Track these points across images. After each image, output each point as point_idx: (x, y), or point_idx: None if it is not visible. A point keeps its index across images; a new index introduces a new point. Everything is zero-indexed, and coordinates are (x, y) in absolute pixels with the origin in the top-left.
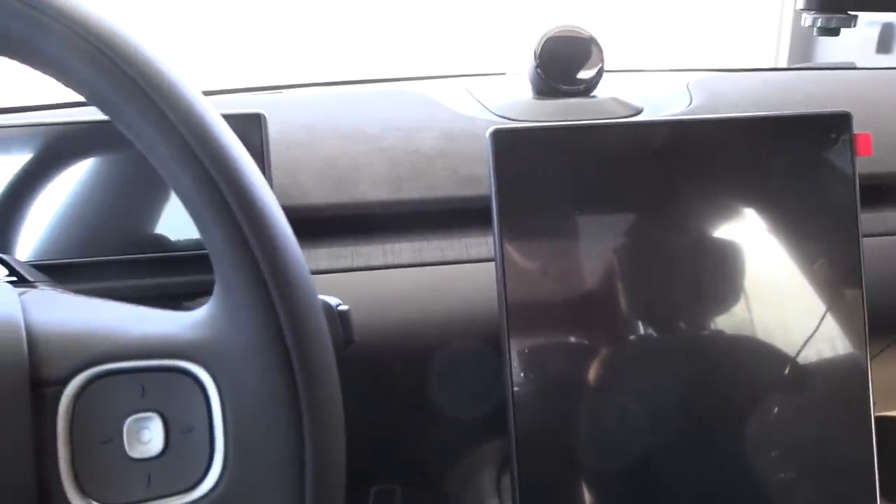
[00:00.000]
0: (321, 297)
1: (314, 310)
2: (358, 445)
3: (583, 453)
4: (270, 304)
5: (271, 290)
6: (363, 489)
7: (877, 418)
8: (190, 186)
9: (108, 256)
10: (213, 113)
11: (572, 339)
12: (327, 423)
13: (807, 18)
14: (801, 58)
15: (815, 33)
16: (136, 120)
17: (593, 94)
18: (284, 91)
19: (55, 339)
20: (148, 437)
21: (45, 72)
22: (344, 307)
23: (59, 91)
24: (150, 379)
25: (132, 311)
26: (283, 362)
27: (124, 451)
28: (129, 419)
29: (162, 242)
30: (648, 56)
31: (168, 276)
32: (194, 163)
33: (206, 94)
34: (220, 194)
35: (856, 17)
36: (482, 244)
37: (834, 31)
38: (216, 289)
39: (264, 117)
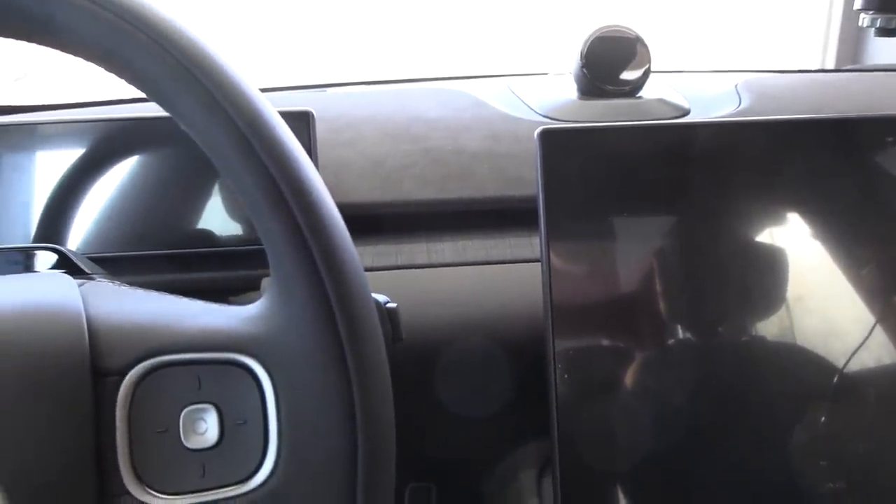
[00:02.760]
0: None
1: (369, 308)
2: (398, 443)
3: (624, 456)
4: (327, 301)
5: (328, 287)
6: (399, 486)
7: None
8: (250, 183)
9: (155, 251)
10: (271, 110)
11: (616, 342)
12: (379, 421)
13: (865, 19)
14: (850, 59)
15: (874, 34)
16: (198, 116)
17: (639, 94)
18: (330, 89)
19: (115, 330)
20: (203, 428)
21: (109, 69)
22: (392, 305)
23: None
24: (207, 371)
25: (189, 304)
26: (338, 359)
27: (180, 441)
28: (186, 410)
29: (209, 238)
30: (695, 57)
31: (214, 271)
32: (254, 159)
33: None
34: (279, 190)
35: None
36: (526, 245)
37: (893, 32)
38: (272, 284)
39: (312, 115)
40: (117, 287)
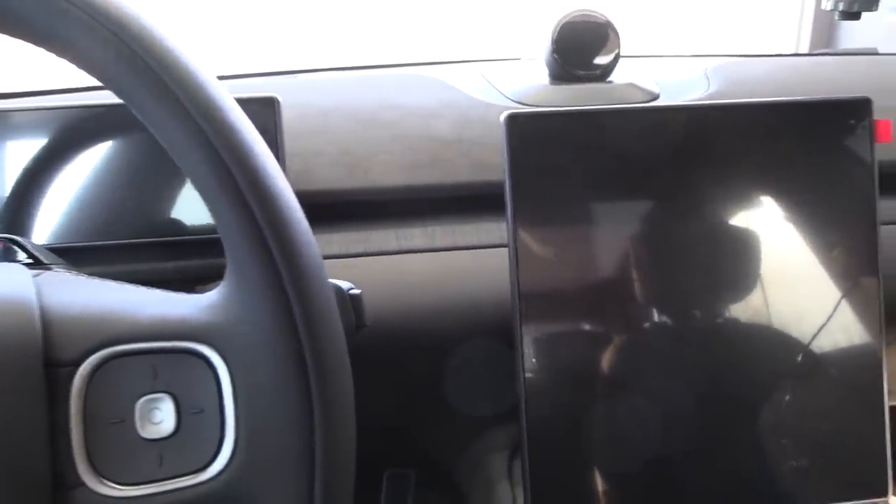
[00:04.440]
0: (333, 281)
1: (326, 294)
2: (371, 430)
3: (594, 440)
4: (282, 287)
5: (283, 273)
6: (377, 473)
7: (893, 407)
8: (202, 171)
9: (123, 240)
10: (226, 97)
11: (585, 327)
12: (337, 408)
13: (828, 2)
14: (823, 44)
15: (836, 17)
16: (150, 104)
17: (609, 79)
18: (299, 75)
19: (68, 321)
20: (159, 417)
21: (62, 55)
22: (356, 291)
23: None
24: (162, 360)
25: (145, 293)
26: (294, 346)
27: (136, 431)
28: (141, 400)
29: (177, 226)
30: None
31: (182, 260)
32: (207, 147)
33: (221, 78)
34: (232, 178)
35: (877, 0)
36: (496, 230)
37: (855, 15)
38: (228, 272)
39: (278, 101)
40: (74, 277)
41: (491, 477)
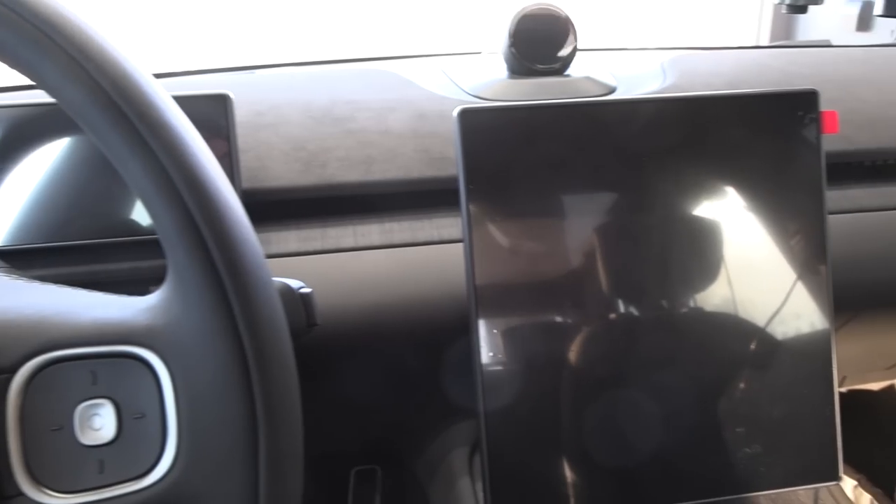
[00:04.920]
0: (282, 279)
1: (268, 294)
2: (337, 428)
3: (552, 430)
4: (222, 289)
5: (223, 274)
6: (344, 470)
7: (847, 391)
8: (137, 170)
9: (73, 241)
10: (161, 93)
11: (542, 320)
12: (282, 409)
13: None
14: (783, 36)
15: (783, 10)
16: (79, 99)
17: (567, 72)
18: (256, 72)
19: (4, 326)
20: (100, 423)
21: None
22: (306, 290)
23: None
24: (102, 365)
25: (84, 296)
26: (236, 348)
27: (76, 438)
28: (81, 406)
29: (129, 226)
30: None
31: (136, 261)
32: (141, 145)
33: (175, 74)
34: (168, 177)
35: None
36: (453, 225)
37: (802, 9)
38: (168, 274)
39: (230, 98)
40: (10, 281)
41: (452, 472)
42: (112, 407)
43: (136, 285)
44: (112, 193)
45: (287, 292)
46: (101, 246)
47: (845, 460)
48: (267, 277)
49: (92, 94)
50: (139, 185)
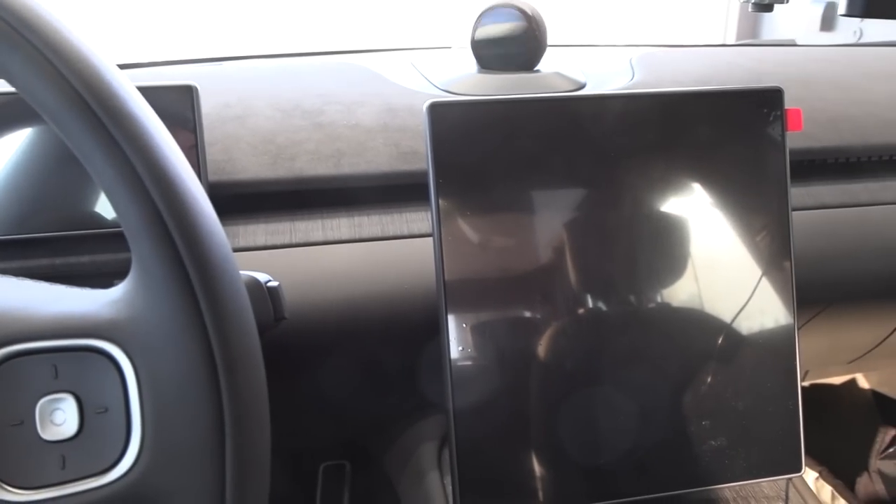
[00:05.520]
0: (250, 273)
1: (235, 288)
2: (305, 424)
3: (520, 425)
4: (188, 282)
5: (189, 268)
6: (313, 466)
7: (809, 385)
8: (102, 163)
9: (35, 234)
10: (125, 83)
11: (511, 314)
12: (249, 405)
13: None
14: (749, 35)
15: (749, 9)
16: (40, 88)
17: (537, 68)
18: (223, 63)
19: None
20: (62, 418)
21: None
22: (273, 283)
23: None
24: (64, 359)
25: (46, 289)
26: (202, 342)
27: (37, 433)
28: (42, 400)
29: (94, 219)
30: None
31: (99, 254)
32: (104, 136)
33: (141, 65)
34: (132, 168)
35: None
36: (423, 219)
37: (768, 7)
38: (133, 266)
39: (196, 89)
40: None
41: (421, 467)
42: (74, 401)
43: (100, 279)
44: (74, 186)
45: (254, 286)
46: (64, 239)
47: (807, 452)
48: (234, 271)
49: (56, 86)
50: (103, 178)
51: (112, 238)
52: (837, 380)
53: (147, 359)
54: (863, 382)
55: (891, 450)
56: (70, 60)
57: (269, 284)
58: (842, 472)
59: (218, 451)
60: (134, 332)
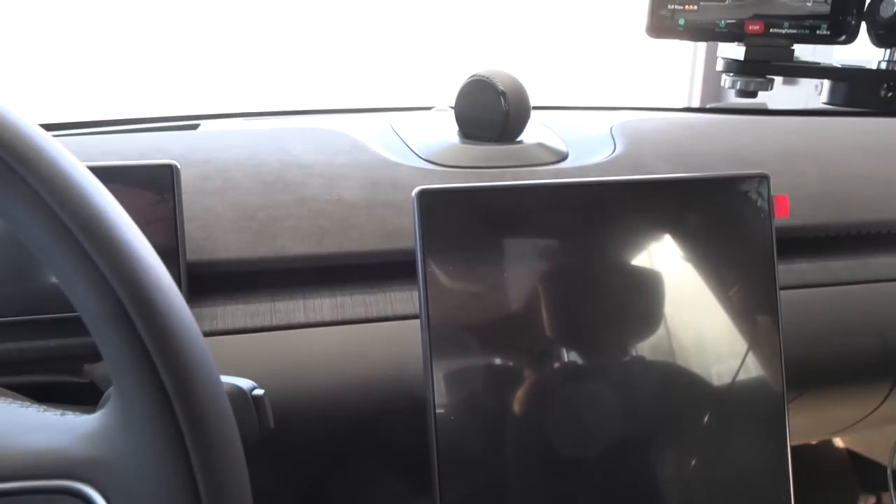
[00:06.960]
0: (234, 380)
1: (224, 424)
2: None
3: (505, 477)
4: (174, 419)
5: (176, 405)
6: None
7: (793, 447)
8: (83, 291)
9: (9, 317)
10: (106, 198)
11: (498, 403)
12: None
13: (727, 80)
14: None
15: (734, 95)
16: (19, 213)
17: (519, 139)
18: (201, 126)
19: None
20: None
21: None
22: (258, 392)
23: None
24: (37, 502)
25: (20, 416)
26: (188, 484)
27: None
28: None
29: (63, 302)
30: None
31: (66, 337)
32: (88, 264)
33: (116, 127)
34: (119, 304)
35: (773, 80)
36: (407, 299)
37: (752, 94)
38: (112, 397)
39: (176, 168)
40: None
41: None
42: None
43: (68, 362)
44: (36, 268)
45: (239, 396)
46: (31, 323)
47: None
48: (222, 397)
49: (31, 205)
50: (84, 307)
51: (79, 321)
52: (814, 440)
53: (125, 500)
54: (839, 442)
55: None
56: (18, 149)
57: (255, 393)
58: None
59: None
60: (111, 471)
